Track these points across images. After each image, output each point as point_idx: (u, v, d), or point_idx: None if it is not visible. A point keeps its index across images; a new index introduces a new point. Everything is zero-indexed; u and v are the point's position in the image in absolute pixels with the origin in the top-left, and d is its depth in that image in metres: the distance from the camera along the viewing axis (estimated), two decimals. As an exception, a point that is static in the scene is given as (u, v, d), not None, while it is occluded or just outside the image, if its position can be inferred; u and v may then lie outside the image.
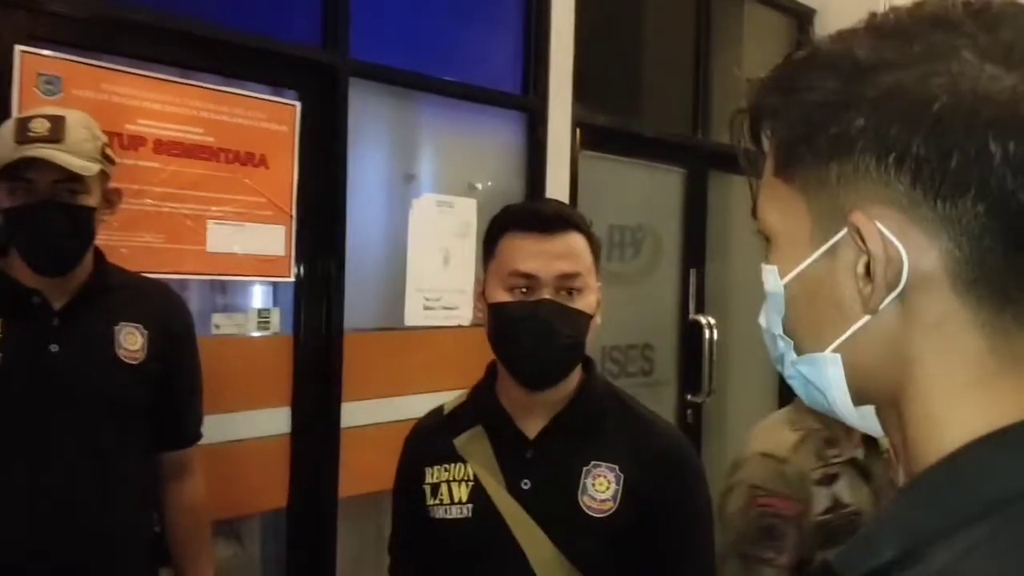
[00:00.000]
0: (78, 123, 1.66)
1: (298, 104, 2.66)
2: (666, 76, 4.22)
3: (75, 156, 1.61)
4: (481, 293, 1.43)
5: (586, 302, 1.37)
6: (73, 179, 1.61)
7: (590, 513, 1.34)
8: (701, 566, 1.39)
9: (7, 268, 1.66)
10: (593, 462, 1.36)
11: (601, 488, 1.35)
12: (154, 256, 2.37)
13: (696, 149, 4.12)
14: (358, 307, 2.80)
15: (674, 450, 1.40)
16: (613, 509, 1.34)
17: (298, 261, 2.66)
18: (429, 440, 1.50)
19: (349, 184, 2.76)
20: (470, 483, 1.40)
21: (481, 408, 1.45)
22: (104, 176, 1.72)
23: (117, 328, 1.71)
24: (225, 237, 2.51)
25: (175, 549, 1.87)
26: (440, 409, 1.54)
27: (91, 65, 2.25)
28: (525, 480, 1.37)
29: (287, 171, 2.64)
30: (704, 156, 4.15)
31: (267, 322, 2.66)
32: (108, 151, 1.73)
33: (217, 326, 2.55)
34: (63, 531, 1.62)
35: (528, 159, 3.34)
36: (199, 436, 1.92)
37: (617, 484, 1.35)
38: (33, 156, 1.57)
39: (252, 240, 2.57)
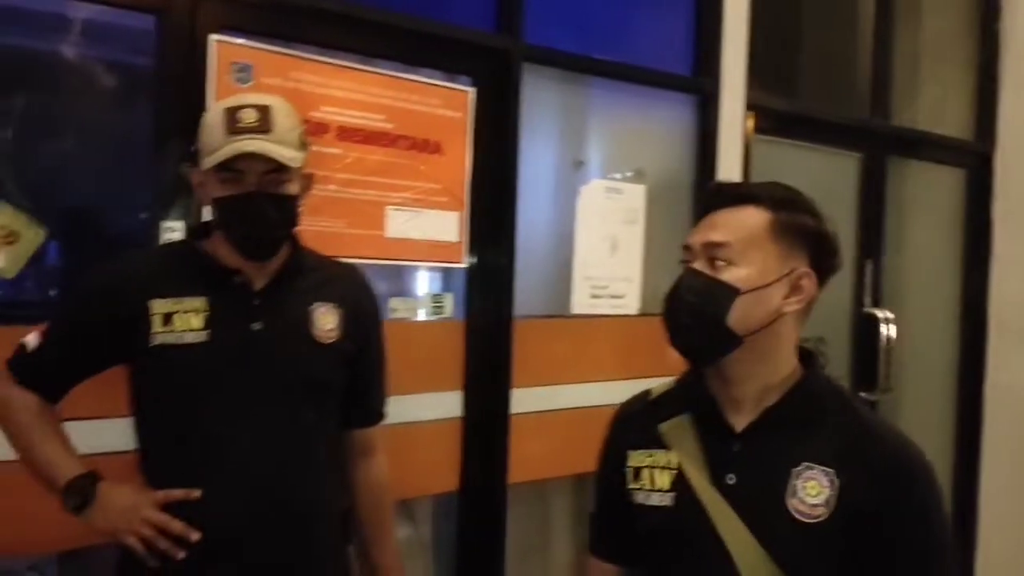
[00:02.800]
0: (282, 111, 1.67)
1: (472, 90, 2.67)
2: (843, 56, 4.02)
3: (283, 147, 1.63)
4: None
5: (736, 275, 1.28)
6: (280, 169, 1.63)
7: (798, 517, 1.26)
8: (933, 569, 1.27)
9: (210, 250, 1.71)
10: (805, 463, 1.28)
11: (812, 492, 1.27)
12: (335, 241, 2.41)
13: (874, 133, 3.91)
14: (526, 293, 2.79)
15: (901, 458, 1.29)
16: (825, 516, 1.25)
17: (470, 247, 2.67)
18: (633, 424, 1.46)
19: (519, 170, 2.75)
20: (673, 471, 1.35)
21: (689, 395, 1.39)
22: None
23: (312, 308, 1.73)
24: (402, 223, 2.54)
25: (361, 526, 1.89)
26: (647, 393, 1.50)
27: (280, 53, 2.31)
28: (730, 475, 1.31)
29: (461, 157, 2.65)
30: (883, 140, 3.93)
31: (440, 307, 2.68)
32: (304, 137, 1.75)
33: (393, 310, 2.59)
34: (269, 505, 1.64)
35: (699, 144, 3.24)
36: (384, 415, 1.93)
37: (831, 490, 1.26)
38: (248, 151, 1.59)
39: (427, 226, 2.59)
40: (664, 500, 1.35)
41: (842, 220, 3.85)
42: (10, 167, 1.98)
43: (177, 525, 1.59)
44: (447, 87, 2.64)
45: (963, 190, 4.40)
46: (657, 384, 1.52)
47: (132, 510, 1.59)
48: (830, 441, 1.29)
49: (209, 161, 1.61)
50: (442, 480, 2.68)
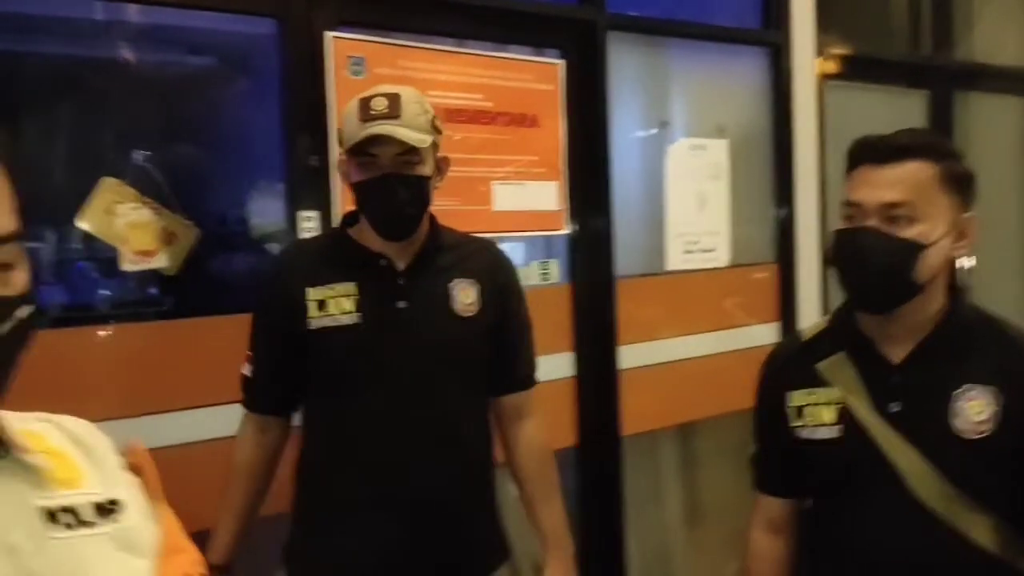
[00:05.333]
0: (411, 99, 1.77)
1: (562, 62, 2.77)
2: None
3: (411, 130, 1.72)
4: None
5: (919, 231, 1.37)
6: (410, 152, 1.72)
7: (964, 435, 1.38)
8: None
9: (358, 236, 1.81)
10: (965, 385, 1.39)
11: (976, 410, 1.37)
12: (449, 218, 2.53)
13: (938, 69, 3.96)
14: (624, 254, 2.90)
15: None
16: (990, 431, 1.37)
17: (571, 214, 2.79)
18: (789, 365, 1.56)
19: (610, 136, 2.85)
20: (837, 406, 1.46)
21: (843, 334, 1.50)
22: (435, 146, 1.83)
23: (452, 284, 1.82)
24: (508, 196, 2.66)
25: (524, 485, 1.96)
26: (798, 336, 1.60)
27: (388, 44, 2.43)
28: (893, 403, 1.41)
29: (555, 129, 2.76)
30: (947, 76, 3.97)
31: (547, 273, 2.81)
32: (437, 123, 1.84)
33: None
34: (430, 477, 1.74)
35: (774, 95, 3.32)
36: (534, 380, 2.00)
37: (995, 405, 1.37)
38: (377, 133, 1.69)
39: (530, 197, 2.71)
40: (831, 433, 1.46)
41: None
42: (162, 174, 2.12)
43: None
44: (538, 62, 2.74)
45: (1026, 119, 4.43)
46: (806, 327, 1.63)
47: None
48: (987, 362, 1.40)
49: (345, 145, 1.73)
50: (560, 436, 2.82)
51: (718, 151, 3.18)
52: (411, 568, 1.76)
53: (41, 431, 0.91)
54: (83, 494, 0.88)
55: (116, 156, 2.07)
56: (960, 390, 1.39)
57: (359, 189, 1.74)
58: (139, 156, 2.09)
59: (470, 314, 1.83)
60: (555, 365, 2.79)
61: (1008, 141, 4.40)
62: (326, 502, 1.78)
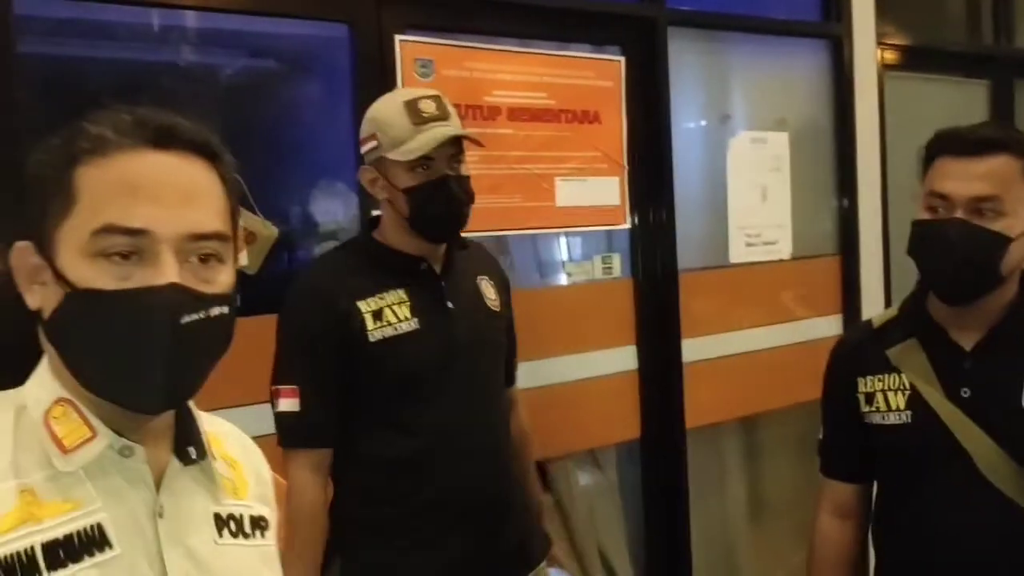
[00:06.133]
0: (446, 97, 1.77)
1: (622, 59, 2.80)
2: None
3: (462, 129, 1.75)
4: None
5: (1007, 224, 1.39)
6: (459, 151, 1.74)
7: None
8: None
9: (388, 242, 1.77)
10: None
11: None
12: (513, 215, 2.59)
13: (999, 58, 3.91)
14: (686, 247, 2.93)
15: None
16: None
17: (632, 208, 2.82)
18: (860, 352, 1.58)
19: (672, 130, 2.88)
20: (907, 392, 1.48)
21: (914, 321, 1.52)
22: None
23: (478, 282, 1.85)
24: (570, 192, 2.70)
25: (518, 463, 1.96)
26: (868, 323, 1.63)
27: (455, 46, 2.48)
28: (964, 389, 1.44)
29: (617, 125, 2.79)
30: (1008, 65, 3.92)
31: (610, 268, 2.84)
32: None
33: (569, 274, 2.76)
34: (488, 462, 1.78)
35: (834, 86, 3.32)
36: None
37: None
38: (455, 135, 1.68)
39: (593, 193, 2.75)
40: (902, 418, 1.48)
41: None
42: (241, 175, 2.19)
43: None
44: (599, 59, 2.78)
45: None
46: (875, 315, 1.65)
47: None
48: None
49: (405, 153, 1.66)
50: (624, 429, 2.86)
51: (779, 144, 3.19)
52: (484, 569, 1.76)
53: (220, 435, 0.95)
54: (245, 506, 0.92)
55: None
56: None
57: (415, 194, 1.69)
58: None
59: (497, 308, 1.86)
60: (619, 358, 2.83)
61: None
62: (396, 521, 1.72)
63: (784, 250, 3.19)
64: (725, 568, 3.20)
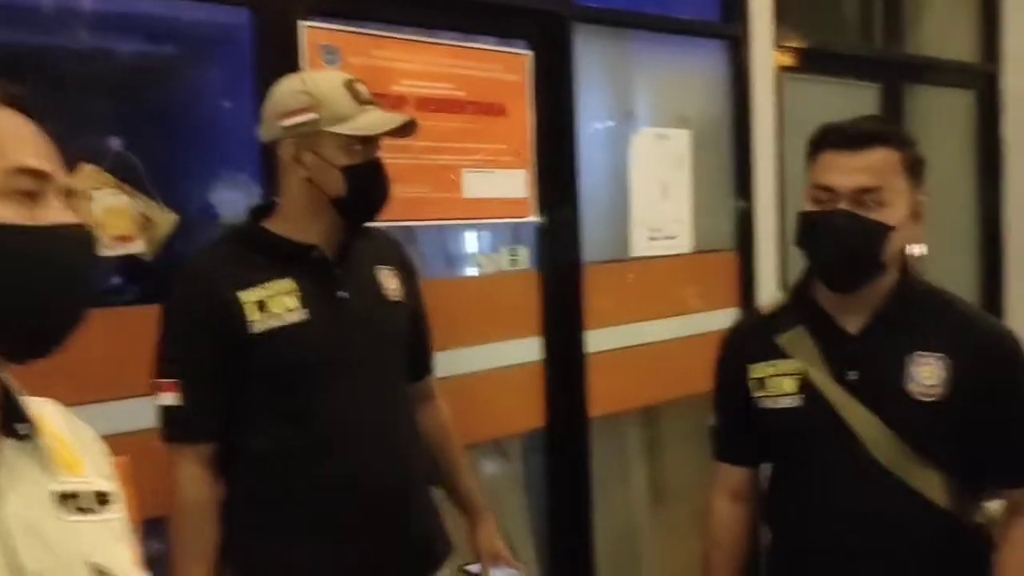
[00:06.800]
0: None
1: (529, 53, 2.83)
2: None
3: None
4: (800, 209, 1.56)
5: (888, 214, 1.47)
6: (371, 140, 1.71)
7: (918, 397, 1.48)
8: None
9: (277, 229, 1.71)
10: (917, 352, 1.49)
11: (927, 375, 1.48)
12: (419, 205, 2.59)
13: (889, 62, 4.09)
14: (591, 240, 2.97)
15: (1003, 340, 1.52)
16: (940, 395, 1.47)
17: (539, 202, 2.85)
18: (750, 339, 1.65)
19: (577, 125, 2.92)
20: (797, 377, 1.55)
21: (802, 308, 1.59)
22: None
23: (376, 271, 1.80)
24: (477, 184, 2.72)
25: (447, 457, 1.97)
26: (757, 311, 1.70)
27: (361, 33, 2.47)
28: (851, 371, 1.51)
29: (523, 118, 2.82)
30: (897, 69, 4.11)
31: (516, 259, 2.87)
32: None
33: (476, 265, 2.78)
34: (384, 458, 1.72)
35: (734, 86, 3.42)
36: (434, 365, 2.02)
37: (944, 371, 1.47)
38: (408, 121, 1.69)
39: (499, 185, 2.77)
40: (792, 402, 1.55)
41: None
42: (139, 161, 2.14)
43: None
44: (506, 52, 2.80)
45: (974, 112, 4.58)
46: (764, 304, 1.71)
47: None
48: (937, 332, 1.51)
49: (354, 129, 1.64)
50: (529, 419, 2.89)
51: (681, 141, 3.27)
52: (383, 567, 1.72)
53: (44, 414, 0.91)
54: (85, 482, 0.89)
55: (93, 144, 2.08)
56: (913, 357, 1.49)
57: (355, 172, 1.67)
58: (116, 143, 2.11)
59: (396, 299, 1.82)
60: (523, 349, 2.86)
61: (956, 133, 4.55)
62: (291, 519, 1.68)
63: (684, 244, 3.27)
64: (627, 554, 3.27)
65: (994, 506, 1.55)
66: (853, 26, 4.19)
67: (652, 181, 3.19)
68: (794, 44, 3.58)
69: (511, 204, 2.81)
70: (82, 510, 0.87)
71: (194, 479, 1.64)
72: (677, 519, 3.31)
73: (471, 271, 2.83)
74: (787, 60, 3.55)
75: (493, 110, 2.76)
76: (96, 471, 0.93)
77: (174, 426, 1.64)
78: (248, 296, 1.64)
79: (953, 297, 1.59)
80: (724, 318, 3.33)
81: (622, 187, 3.12)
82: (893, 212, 1.48)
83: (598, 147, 3.09)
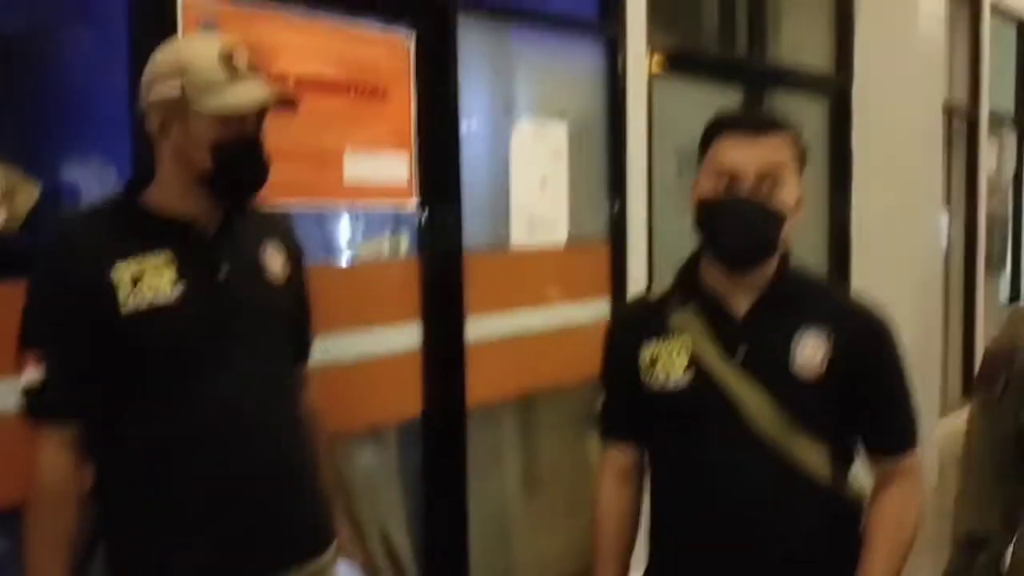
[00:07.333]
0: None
1: (412, 39, 2.81)
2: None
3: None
4: (692, 193, 1.60)
5: (782, 200, 1.54)
6: (263, 113, 1.65)
7: (801, 374, 1.55)
8: (904, 404, 1.64)
9: (153, 202, 1.63)
10: (801, 331, 1.56)
11: (810, 353, 1.55)
12: (298, 187, 2.53)
13: (751, 68, 4.28)
14: (471, 229, 2.98)
15: (877, 322, 1.62)
16: (823, 371, 1.55)
17: (420, 188, 2.84)
18: (639, 321, 1.68)
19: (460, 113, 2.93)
20: (687, 356, 1.60)
21: (690, 291, 1.64)
22: None
23: (260, 250, 1.72)
24: (358, 168, 2.68)
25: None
26: (644, 296, 1.74)
27: (242, 9, 2.39)
28: (739, 351, 1.57)
29: (406, 103, 2.80)
30: (758, 75, 4.30)
31: (396, 246, 2.85)
32: None
33: (355, 252, 2.74)
34: (267, 441, 1.66)
35: (609, 84, 3.50)
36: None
37: (827, 350, 1.55)
38: (289, 99, 1.64)
39: (380, 170, 2.74)
40: (682, 380, 1.59)
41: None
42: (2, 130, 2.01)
43: None
44: (389, 36, 2.77)
45: (827, 120, 4.86)
46: (651, 289, 1.77)
47: None
48: (818, 312, 1.59)
49: (220, 106, 1.56)
50: (405, 407, 2.87)
51: (558, 135, 3.32)
52: (263, 557, 1.66)
53: None
54: None
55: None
56: (797, 335, 1.57)
57: (224, 149, 1.58)
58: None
59: (281, 281, 1.74)
60: (402, 337, 2.84)
61: (811, 139, 4.79)
62: (169, 506, 1.59)
63: (560, 236, 3.32)
64: (500, 541, 3.29)
65: (861, 477, 1.65)
66: (716, 32, 4.36)
67: (531, 172, 3.23)
68: (665, 45, 3.69)
69: (392, 189, 2.78)
70: None
71: (55, 462, 1.53)
72: (550, 507, 3.36)
73: (349, 257, 2.78)
74: (658, 60, 3.66)
75: (375, 94, 2.73)
76: None
77: (34, 403, 1.53)
78: (120, 271, 1.54)
79: (830, 282, 1.69)
80: (596, 309, 3.41)
81: (502, 177, 3.15)
82: (787, 199, 1.55)
83: (479, 137, 3.10)
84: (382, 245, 2.84)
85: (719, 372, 1.56)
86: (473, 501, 3.02)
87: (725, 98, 4.18)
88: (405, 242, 2.87)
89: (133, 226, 1.60)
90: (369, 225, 2.86)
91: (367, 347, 2.72)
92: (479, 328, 2.99)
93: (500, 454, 3.31)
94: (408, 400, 2.86)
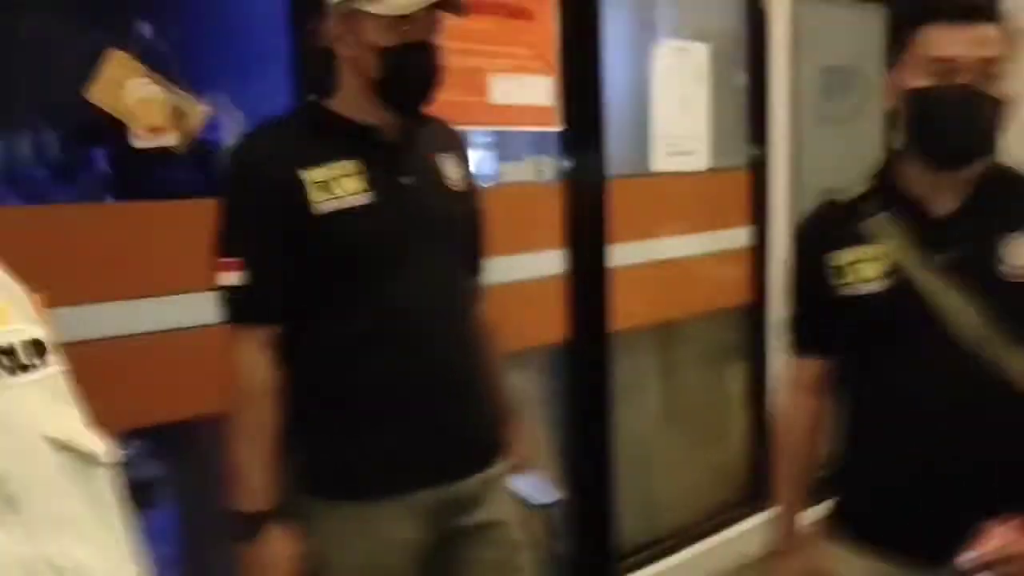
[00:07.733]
0: None
1: (554, -44, 2.74)
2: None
3: None
4: (891, 86, 1.50)
5: (999, 90, 1.43)
6: (437, 19, 1.62)
7: (1010, 279, 1.45)
8: None
9: (340, 110, 1.63)
10: (1009, 233, 1.46)
11: (1020, 255, 1.46)
12: (446, 109, 2.51)
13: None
14: (611, 153, 2.92)
15: None
16: None
17: (564, 111, 2.79)
18: (829, 227, 1.59)
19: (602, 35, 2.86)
20: (882, 262, 1.51)
21: (888, 194, 1.55)
22: None
23: (438, 159, 1.72)
24: (504, 90, 2.65)
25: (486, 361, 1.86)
26: (832, 201, 1.64)
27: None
28: (940, 255, 1.48)
29: (548, 24, 2.74)
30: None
31: (541, 171, 2.82)
32: None
33: (501, 174, 2.72)
34: (445, 347, 1.67)
35: (750, 2, 3.36)
36: None
37: None
38: (454, 4, 1.58)
39: (525, 92, 2.70)
40: (877, 287, 1.51)
41: (872, 70, 3.99)
42: (169, 51, 2.05)
43: None
44: (532, -45, 2.71)
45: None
46: (837, 195, 1.67)
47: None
48: None
49: (390, 7, 1.53)
50: (550, 332, 2.86)
51: (699, 56, 3.22)
52: (445, 458, 1.68)
53: None
54: (16, 330, 0.71)
55: (120, 28, 1.99)
56: (1004, 238, 1.46)
57: (392, 54, 1.57)
58: (146, 29, 2.01)
59: (459, 188, 1.74)
60: (546, 262, 2.82)
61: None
62: (353, 408, 1.64)
63: (701, 161, 3.23)
64: (643, 467, 3.27)
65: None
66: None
67: (672, 96, 3.14)
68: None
69: (537, 111, 2.74)
70: (17, 369, 0.69)
71: (256, 363, 1.57)
72: (692, 434, 3.33)
73: (495, 182, 2.75)
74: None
75: (520, 13, 2.68)
76: (23, 315, 0.74)
77: (235, 306, 1.57)
78: (311, 175, 1.56)
79: None
80: (738, 236, 3.33)
81: (643, 100, 3.07)
82: (1003, 88, 1.44)
83: (620, 60, 3.02)
84: (526, 170, 2.80)
85: (920, 278, 1.48)
86: (616, 427, 3.01)
87: (870, 15, 3.98)
88: (549, 167, 2.83)
89: (319, 134, 1.62)
90: (514, 147, 2.83)
91: (511, 271, 2.71)
92: (622, 254, 2.95)
93: (642, 381, 3.28)
94: (553, 324, 2.85)
